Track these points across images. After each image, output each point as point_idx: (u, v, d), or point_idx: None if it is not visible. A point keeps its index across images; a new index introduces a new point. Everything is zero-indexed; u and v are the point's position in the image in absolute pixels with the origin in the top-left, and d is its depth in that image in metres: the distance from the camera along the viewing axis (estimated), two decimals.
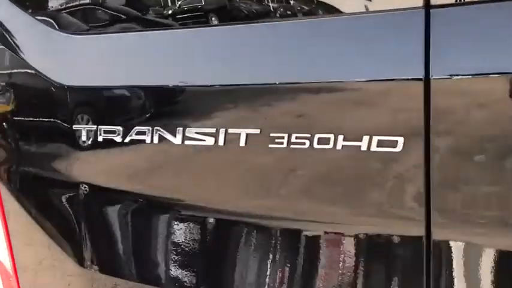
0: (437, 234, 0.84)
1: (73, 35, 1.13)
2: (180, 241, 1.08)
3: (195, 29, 1.05)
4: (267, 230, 1.02)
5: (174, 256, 1.10)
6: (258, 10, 1.02)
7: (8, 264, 1.46)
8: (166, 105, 1.06)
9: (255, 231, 1.03)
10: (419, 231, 0.85)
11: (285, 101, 0.93)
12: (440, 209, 0.84)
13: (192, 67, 1.02)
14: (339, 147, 0.88)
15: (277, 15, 0.98)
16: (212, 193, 1.05)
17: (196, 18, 1.08)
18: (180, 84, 1.02)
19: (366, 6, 0.87)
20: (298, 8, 1.00)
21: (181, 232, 1.08)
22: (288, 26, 0.93)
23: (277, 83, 0.92)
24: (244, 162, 0.98)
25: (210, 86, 0.98)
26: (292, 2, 0.99)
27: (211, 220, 1.07)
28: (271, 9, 0.99)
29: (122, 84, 1.07)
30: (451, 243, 0.86)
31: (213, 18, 1.07)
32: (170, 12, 1.11)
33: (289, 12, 1.00)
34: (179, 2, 1.11)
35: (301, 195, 0.96)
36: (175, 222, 1.10)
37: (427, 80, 0.80)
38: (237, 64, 0.98)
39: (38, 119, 1.25)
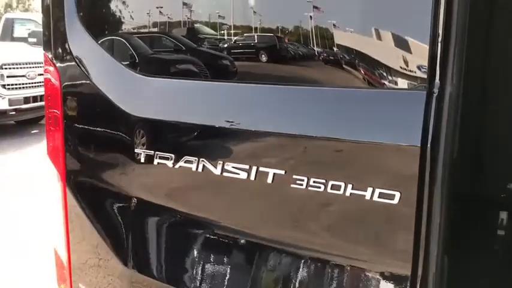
0: None
1: (145, 77, 1.39)
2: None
3: (238, 84, 1.28)
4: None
5: (200, 266, 1.31)
6: (303, 52, 1.20)
7: (64, 258, 1.71)
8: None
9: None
10: None
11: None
12: None
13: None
14: (347, 194, 1.06)
15: (320, 59, 1.15)
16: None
17: (248, 54, 1.29)
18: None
19: None
20: (341, 56, 1.15)
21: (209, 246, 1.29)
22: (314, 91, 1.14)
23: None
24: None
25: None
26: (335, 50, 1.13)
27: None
28: (316, 53, 1.16)
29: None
30: None
31: (263, 56, 1.27)
32: (226, 45, 1.33)
33: (331, 58, 1.16)
34: (235, 38, 1.32)
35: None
36: (204, 236, 1.32)
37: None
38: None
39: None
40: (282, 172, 1.14)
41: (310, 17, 1.15)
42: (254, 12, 1.30)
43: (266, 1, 1.31)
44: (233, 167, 1.21)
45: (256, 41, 1.26)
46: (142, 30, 1.50)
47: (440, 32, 0.97)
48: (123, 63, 1.46)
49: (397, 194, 1.01)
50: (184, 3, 1.39)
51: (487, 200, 1.63)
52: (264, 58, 1.26)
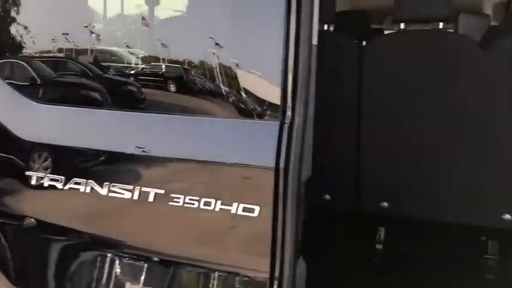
0: None
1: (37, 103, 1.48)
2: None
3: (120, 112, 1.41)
4: None
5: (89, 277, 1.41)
6: (210, 87, 1.35)
7: None
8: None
9: None
10: None
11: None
12: None
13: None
14: (217, 209, 1.23)
15: (224, 95, 1.31)
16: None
17: (156, 82, 1.41)
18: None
19: None
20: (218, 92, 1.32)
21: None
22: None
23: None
24: None
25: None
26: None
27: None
28: (223, 92, 1.32)
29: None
30: None
31: (171, 85, 1.40)
32: (133, 72, 1.45)
33: (210, 92, 1.32)
34: (142, 66, 1.44)
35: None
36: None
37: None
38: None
39: None
40: (162, 192, 1.29)
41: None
42: (162, 44, 1.43)
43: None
44: (119, 188, 1.33)
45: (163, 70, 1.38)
46: (39, 56, 1.58)
47: (290, 75, 1.19)
48: (18, 90, 1.54)
49: (257, 208, 1.20)
50: (92, 32, 1.49)
51: (334, 210, 1.88)
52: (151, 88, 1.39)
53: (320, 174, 2.08)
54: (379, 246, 2.20)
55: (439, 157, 1.98)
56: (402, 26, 2.01)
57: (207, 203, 1.24)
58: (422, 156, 2.00)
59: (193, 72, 1.34)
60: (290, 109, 1.19)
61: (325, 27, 2.17)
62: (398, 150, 2.03)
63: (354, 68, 2.03)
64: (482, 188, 1.92)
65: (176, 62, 1.38)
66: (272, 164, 1.18)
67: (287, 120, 1.19)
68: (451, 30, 2.16)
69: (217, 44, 1.29)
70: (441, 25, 1.97)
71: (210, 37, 1.28)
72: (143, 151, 1.33)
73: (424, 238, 2.18)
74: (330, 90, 2.03)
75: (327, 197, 2.13)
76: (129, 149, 1.35)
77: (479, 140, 1.90)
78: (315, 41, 1.24)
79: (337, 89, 2.05)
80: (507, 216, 1.91)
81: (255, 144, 1.22)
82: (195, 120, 1.31)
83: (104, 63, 1.50)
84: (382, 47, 2.03)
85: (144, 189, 1.30)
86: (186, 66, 1.35)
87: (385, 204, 2.07)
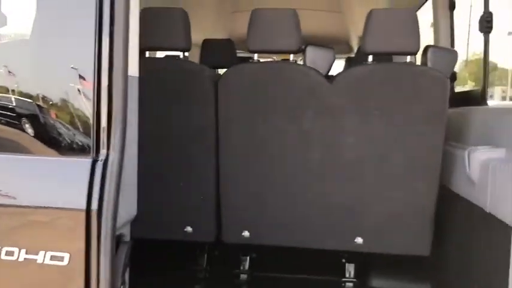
0: None
1: None
2: None
3: None
4: None
5: None
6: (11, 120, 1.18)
7: None
8: None
9: None
10: None
11: None
12: None
13: None
14: (21, 259, 1.09)
15: (26, 128, 1.14)
16: None
17: (7, 117, 1.21)
18: None
19: None
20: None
21: None
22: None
23: None
24: None
25: None
26: None
27: None
28: (25, 125, 1.16)
29: None
30: None
31: (26, 125, 1.20)
32: None
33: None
34: None
35: None
36: None
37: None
38: None
39: None
40: None
41: None
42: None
43: None
44: None
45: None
46: None
47: (103, 108, 1.10)
48: None
49: (67, 255, 1.07)
50: None
51: (196, 242, 1.81)
52: None
53: (180, 206, 2.01)
54: (243, 276, 2.17)
55: (293, 185, 2.00)
56: (256, 56, 2.03)
57: (9, 253, 1.09)
58: (278, 185, 2.01)
59: None
60: (106, 145, 1.10)
61: (181, 55, 2.12)
62: (255, 181, 2.03)
63: (211, 96, 2.00)
64: (336, 212, 1.97)
65: None
66: (83, 205, 1.07)
67: (101, 157, 1.10)
68: (301, 62, 2.23)
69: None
70: (291, 57, 2.02)
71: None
72: None
73: (288, 264, 2.19)
74: (189, 120, 1.98)
75: (189, 229, 2.06)
76: None
77: (328, 167, 1.96)
78: (134, 72, 1.17)
79: (196, 119, 2.01)
80: (359, 240, 1.97)
81: (64, 184, 1.11)
82: None
83: None
84: (235, 77, 2.02)
85: None
86: None
87: (247, 233, 2.04)
